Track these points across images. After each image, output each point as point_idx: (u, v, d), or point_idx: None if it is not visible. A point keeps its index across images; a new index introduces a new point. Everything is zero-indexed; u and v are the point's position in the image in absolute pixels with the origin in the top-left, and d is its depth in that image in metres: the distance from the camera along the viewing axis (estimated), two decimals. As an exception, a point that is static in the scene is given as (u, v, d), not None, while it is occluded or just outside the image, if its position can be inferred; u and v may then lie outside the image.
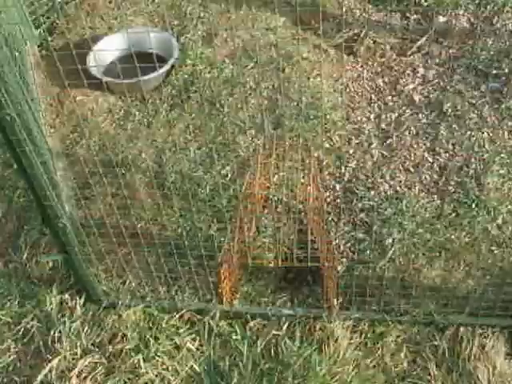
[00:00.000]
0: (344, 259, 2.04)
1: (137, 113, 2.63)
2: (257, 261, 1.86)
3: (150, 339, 1.88)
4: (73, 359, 1.88)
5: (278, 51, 2.68)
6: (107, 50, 2.69)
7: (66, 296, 2.02)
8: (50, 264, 2.14)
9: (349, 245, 2.07)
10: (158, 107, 2.62)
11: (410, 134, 2.39)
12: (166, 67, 2.68)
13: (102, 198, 2.24)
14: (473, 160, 2.29)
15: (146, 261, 1.97)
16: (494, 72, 2.61)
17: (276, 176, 2.15)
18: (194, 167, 2.35)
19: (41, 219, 2.25)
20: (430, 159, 2.31)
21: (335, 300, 1.82)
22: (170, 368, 1.85)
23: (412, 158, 2.31)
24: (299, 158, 2.06)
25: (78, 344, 1.90)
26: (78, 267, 1.89)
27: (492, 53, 2.69)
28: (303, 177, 2.06)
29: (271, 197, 2.10)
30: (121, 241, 1.83)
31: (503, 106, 2.47)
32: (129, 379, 1.84)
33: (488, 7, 2.89)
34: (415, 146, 2.35)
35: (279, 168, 2.13)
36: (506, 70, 2.61)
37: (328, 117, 2.43)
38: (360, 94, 2.56)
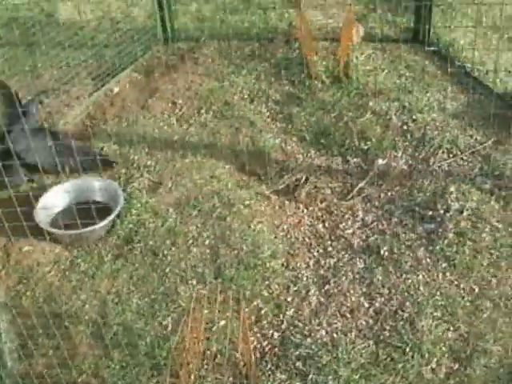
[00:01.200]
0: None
1: (82, 263, 3.03)
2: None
3: None
4: None
5: (221, 199, 3.17)
6: (53, 200, 3.19)
7: None
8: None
9: (286, 395, 2.41)
10: (102, 257, 3.03)
11: (347, 279, 2.82)
12: (112, 217, 3.13)
13: (45, 351, 2.58)
14: (407, 303, 2.70)
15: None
16: (430, 213, 3.10)
17: (213, 327, 2.53)
18: (135, 318, 2.72)
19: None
20: (366, 304, 2.72)
21: None
22: None
23: (348, 304, 2.72)
24: (237, 308, 2.45)
25: None
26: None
27: (428, 194, 3.20)
28: (237, 328, 2.44)
29: (208, 349, 2.46)
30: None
31: (438, 247, 2.93)
32: None
33: (425, 148, 3.46)
34: (352, 292, 2.76)
35: (215, 319, 2.51)
36: (441, 211, 3.10)
37: (268, 265, 2.86)
38: (300, 240, 3.02)
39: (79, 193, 3.32)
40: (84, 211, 2.87)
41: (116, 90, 4.06)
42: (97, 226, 3.03)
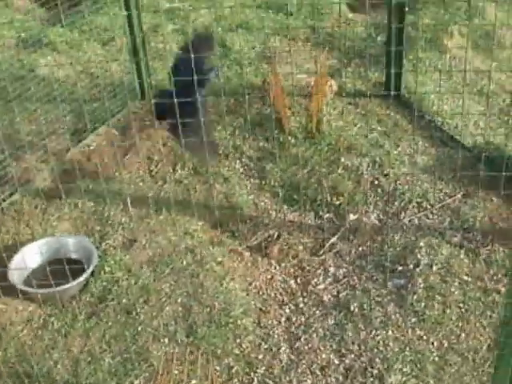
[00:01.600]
0: None
1: (55, 322, 3.08)
2: None
3: None
4: None
5: (194, 256, 3.25)
6: (27, 257, 3.25)
7: None
8: None
9: None
10: (76, 316, 3.08)
11: (317, 336, 2.89)
12: (85, 275, 3.19)
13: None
14: (377, 360, 2.77)
15: None
16: (400, 268, 3.20)
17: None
18: (107, 378, 2.76)
19: None
20: (337, 361, 2.79)
21: None
22: None
23: (319, 361, 2.78)
24: (208, 367, 2.51)
25: None
26: None
27: (398, 249, 3.30)
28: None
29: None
30: None
31: (407, 302, 3.01)
32: None
33: (396, 203, 3.57)
34: (322, 348, 2.83)
35: (186, 378, 2.57)
36: (411, 266, 3.19)
37: (239, 322, 2.92)
38: (272, 296, 3.10)
39: (53, 250, 3.39)
40: (60, 268, 2.94)
41: (93, 145, 4.16)
42: (70, 285, 3.09)
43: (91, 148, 4.15)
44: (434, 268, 3.17)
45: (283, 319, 2.99)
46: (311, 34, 5.09)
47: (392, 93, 4.33)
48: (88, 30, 5.46)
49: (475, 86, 4.48)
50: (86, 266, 3.24)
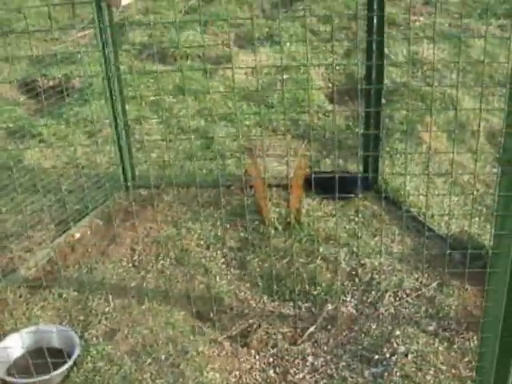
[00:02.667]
0: None
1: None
2: None
3: None
4: None
5: (176, 346, 3.42)
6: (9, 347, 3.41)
7: None
8: None
9: None
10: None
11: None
12: (67, 365, 3.34)
13: None
14: None
15: None
16: (376, 357, 3.38)
17: None
18: None
19: None
20: None
21: None
22: None
23: None
24: None
25: None
26: None
27: (375, 338, 3.50)
28: None
29: None
30: None
31: (385, 389, 3.19)
32: None
33: (372, 292, 3.79)
34: None
35: None
36: (388, 355, 3.38)
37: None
38: (251, 387, 3.26)
39: (36, 340, 3.55)
40: (40, 359, 3.09)
41: (77, 235, 4.38)
42: (52, 374, 3.23)
43: (76, 238, 4.37)
44: (410, 356, 3.36)
45: (262, 411, 3.14)
46: (292, 126, 5.44)
47: (370, 184, 4.62)
48: (75, 121, 5.79)
49: (450, 177, 4.79)
50: (68, 356, 3.40)
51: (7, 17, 8.69)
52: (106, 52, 4.39)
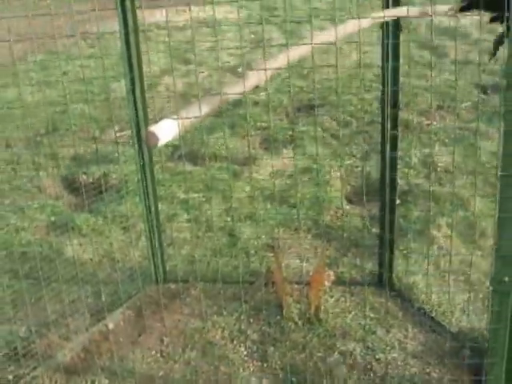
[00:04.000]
0: None
1: None
2: None
3: None
4: None
5: None
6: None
7: None
8: None
9: None
10: None
11: None
12: None
13: None
14: None
15: None
16: None
17: None
18: None
19: None
20: None
21: None
22: None
23: None
24: None
25: None
26: None
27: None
28: None
29: None
30: None
31: None
32: None
33: (387, 387, 3.90)
34: None
35: None
36: None
37: None
38: None
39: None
40: None
41: (111, 326, 4.58)
42: None
43: (109, 327, 4.56)
44: None
45: None
46: (312, 226, 5.68)
47: (384, 282, 4.78)
48: (111, 216, 6.09)
49: (461, 275, 4.94)
50: None
51: (53, 117, 9.23)
52: (141, 154, 4.70)
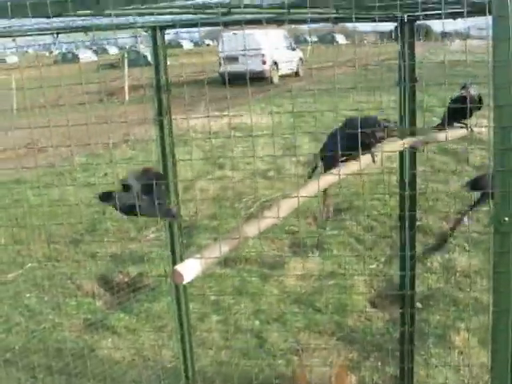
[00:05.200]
0: None
1: None
2: None
3: None
4: None
5: None
6: None
7: None
8: None
9: None
10: None
11: None
12: None
13: None
14: None
15: None
16: None
17: None
18: None
19: None
20: None
21: None
22: None
23: None
24: None
25: None
26: None
27: None
28: None
29: None
30: None
31: None
32: None
33: None
34: None
35: None
36: None
37: None
38: None
39: None
40: None
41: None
42: None
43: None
44: None
45: None
46: (336, 329, 5.79)
47: (405, 387, 4.82)
48: (144, 316, 6.29)
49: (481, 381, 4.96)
50: None
51: (92, 216, 9.65)
52: (175, 255, 4.93)
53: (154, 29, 3.92)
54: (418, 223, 4.56)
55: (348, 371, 4.88)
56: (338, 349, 5.40)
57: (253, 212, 9.20)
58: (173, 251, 4.95)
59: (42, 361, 5.62)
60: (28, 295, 7.08)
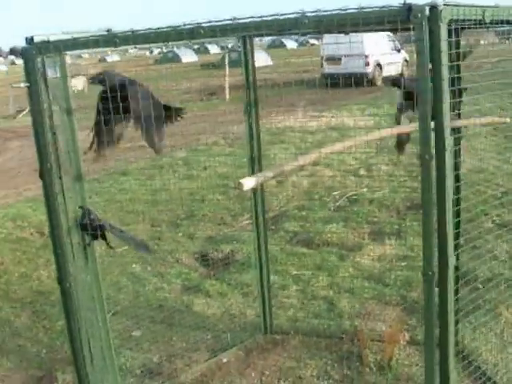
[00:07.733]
0: None
1: None
2: None
3: None
4: None
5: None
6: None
7: None
8: None
9: None
10: None
11: None
12: None
13: None
14: None
15: None
16: None
17: None
18: None
19: None
20: None
21: None
22: None
23: None
24: None
25: None
26: None
27: None
28: None
29: None
30: None
31: None
32: None
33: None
34: None
35: None
36: None
37: None
38: None
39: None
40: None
41: (224, 360, 6.06)
42: None
43: (223, 361, 6.05)
44: None
45: None
46: (400, 300, 6.95)
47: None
48: (234, 284, 7.72)
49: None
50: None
51: (192, 204, 11.25)
52: (258, 237, 6.30)
53: (243, 37, 5.25)
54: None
55: (402, 329, 6.04)
56: (399, 315, 6.57)
57: (339, 205, 10.49)
58: (257, 235, 6.31)
59: (146, 313, 7.16)
60: (134, 265, 8.70)
